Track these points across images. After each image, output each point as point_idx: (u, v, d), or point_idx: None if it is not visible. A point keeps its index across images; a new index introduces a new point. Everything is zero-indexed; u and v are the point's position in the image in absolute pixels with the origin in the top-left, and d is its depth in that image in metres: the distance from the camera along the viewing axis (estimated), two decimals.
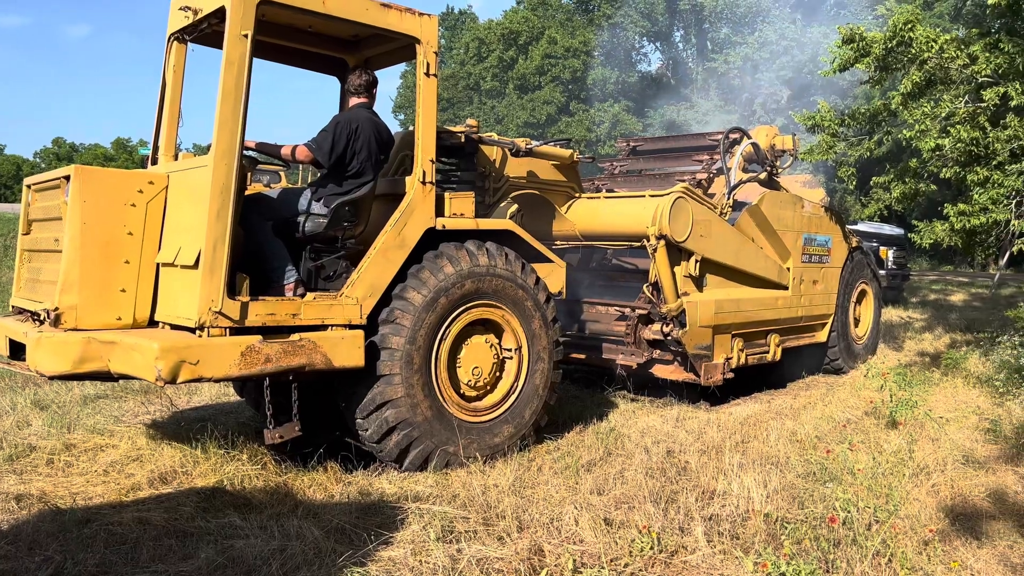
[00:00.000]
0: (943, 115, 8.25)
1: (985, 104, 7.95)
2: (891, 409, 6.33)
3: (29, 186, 5.21)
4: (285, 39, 5.45)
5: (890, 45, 8.42)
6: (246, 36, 4.30)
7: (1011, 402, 6.71)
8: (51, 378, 4.33)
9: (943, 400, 7.12)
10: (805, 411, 7.05)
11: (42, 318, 4.48)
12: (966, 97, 8.29)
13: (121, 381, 5.69)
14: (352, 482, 4.87)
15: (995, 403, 6.84)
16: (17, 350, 4.64)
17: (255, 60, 4.43)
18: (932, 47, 8.18)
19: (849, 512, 4.08)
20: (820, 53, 26.30)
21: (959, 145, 7.99)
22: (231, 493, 4.48)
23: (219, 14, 4.48)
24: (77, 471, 4.87)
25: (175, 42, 5.15)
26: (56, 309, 4.33)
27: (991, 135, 7.87)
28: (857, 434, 5.99)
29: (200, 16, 4.69)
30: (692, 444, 5.74)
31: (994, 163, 7.98)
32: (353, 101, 5.28)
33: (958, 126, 8.02)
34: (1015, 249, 8.08)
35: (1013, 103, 7.77)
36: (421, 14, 5.10)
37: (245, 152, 4.59)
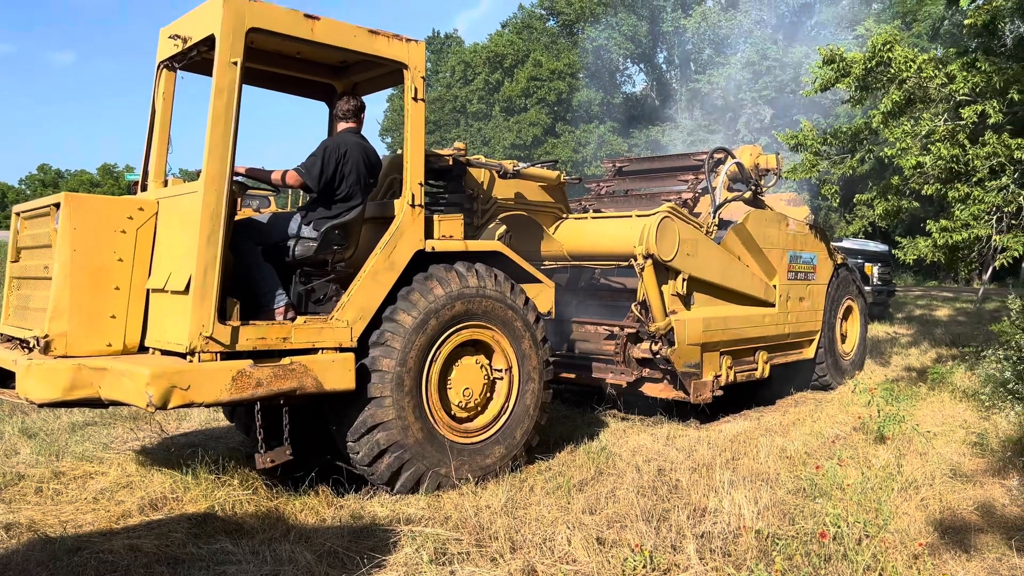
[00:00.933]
0: (923, 133, 8.40)
1: (964, 122, 8.10)
2: (879, 424, 6.38)
3: (18, 214, 5.22)
4: (274, 66, 5.50)
5: (869, 65, 8.58)
6: (235, 64, 4.35)
7: (997, 416, 6.78)
8: (41, 406, 4.31)
9: (930, 414, 7.18)
10: (794, 427, 7.09)
11: (31, 345, 4.47)
12: (945, 115, 8.44)
13: (110, 408, 5.67)
14: (344, 505, 4.86)
15: (981, 417, 6.91)
16: (5, 378, 4.62)
17: (243, 86, 4.47)
18: (911, 67, 8.34)
19: (839, 527, 4.11)
20: (802, 73, 26.67)
21: (939, 162, 8.13)
22: (222, 519, 4.47)
23: (208, 42, 4.53)
24: (66, 499, 4.84)
25: (164, 70, 5.19)
26: (46, 336, 4.33)
27: (970, 152, 8.01)
28: (846, 449, 6.03)
29: (190, 44, 4.74)
30: (683, 462, 5.77)
31: (974, 180, 8.11)
32: (341, 126, 5.33)
33: (938, 144, 8.16)
34: (997, 264, 8.19)
35: (991, 121, 7.92)
36: (408, 40, 5.17)
37: (235, 178, 4.62)
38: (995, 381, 7.36)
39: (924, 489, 4.96)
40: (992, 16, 8.53)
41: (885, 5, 32.59)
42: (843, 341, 9.85)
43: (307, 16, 4.67)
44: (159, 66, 5.21)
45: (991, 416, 6.84)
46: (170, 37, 4.88)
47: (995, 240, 7.98)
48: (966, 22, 8.75)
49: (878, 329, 14.47)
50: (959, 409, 7.28)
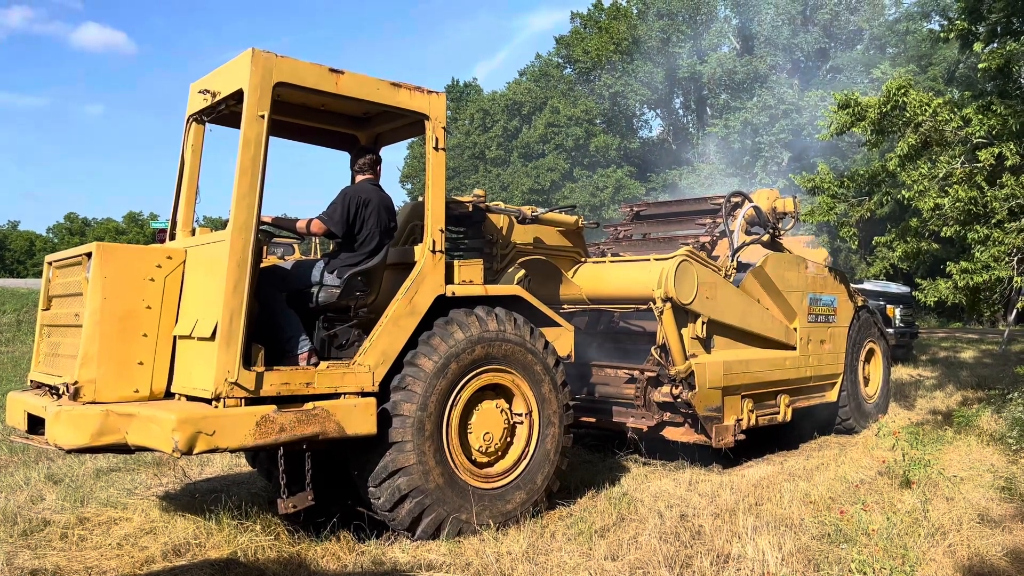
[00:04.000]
0: (940, 175, 8.42)
1: (981, 164, 8.12)
2: (904, 468, 6.30)
3: (50, 263, 5.35)
4: (299, 118, 5.67)
5: (884, 109, 8.65)
6: (263, 117, 4.49)
7: None
8: (69, 451, 4.38)
9: (956, 458, 7.08)
10: (818, 472, 7.01)
11: (60, 392, 4.56)
12: (962, 158, 8.47)
13: (135, 453, 5.72)
14: (365, 551, 4.86)
15: (1009, 460, 6.80)
16: (35, 424, 4.70)
17: (270, 138, 4.61)
18: (926, 111, 8.40)
19: (865, 573, 4.06)
20: (818, 116, 26.82)
21: (958, 204, 8.13)
22: (245, 565, 4.48)
23: (237, 96, 4.68)
24: (91, 545, 4.87)
25: (194, 123, 5.36)
26: (75, 383, 4.41)
27: (988, 194, 8.01)
28: (871, 494, 5.96)
29: (219, 98, 4.90)
30: (706, 507, 5.72)
31: (993, 221, 8.10)
32: (359, 178, 5.48)
33: (956, 186, 8.17)
34: (1020, 305, 8.13)
35: (1008, 163, 7.94)
36: (430, 92, 5.31)
37: (261, 227, 4.73)
38: (1022, 424, 7.26)
39: (951, 535, 4.88)
40: (1006, 60, 8.60)
41: (900, 49, 32.89)
42: (866, 384, 9.76)
43: (332, 70, 4.82)
44: (188, 119, 5.37)
45: (1019, 460, 6.74)
46: (200, 92, 5.05)
47: (1016, 281, 7.94)
48: (981, 66, 8.82)
49: (902, 371, 14.30)
50: (986, 453, 7.17)
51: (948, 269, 8.48)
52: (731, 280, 7.48)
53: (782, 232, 8.77)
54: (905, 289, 16.97)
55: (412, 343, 5.09)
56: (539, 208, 6.99)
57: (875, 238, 9.87)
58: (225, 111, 5.09)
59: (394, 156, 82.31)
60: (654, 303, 6.72)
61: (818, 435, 9.02)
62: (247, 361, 4.39)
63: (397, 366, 5.02)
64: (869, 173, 9.65)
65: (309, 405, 4.57)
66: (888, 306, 15.74)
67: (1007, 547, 4.78)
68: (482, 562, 4.53)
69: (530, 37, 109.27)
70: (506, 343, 5.43)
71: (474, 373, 5.29)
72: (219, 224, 4.72)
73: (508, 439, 5.56)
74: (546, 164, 41.33)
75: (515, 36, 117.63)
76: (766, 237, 8.46)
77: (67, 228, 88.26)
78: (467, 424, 5.33)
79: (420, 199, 5.55)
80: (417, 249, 5.29)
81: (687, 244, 7.74)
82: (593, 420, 7.44)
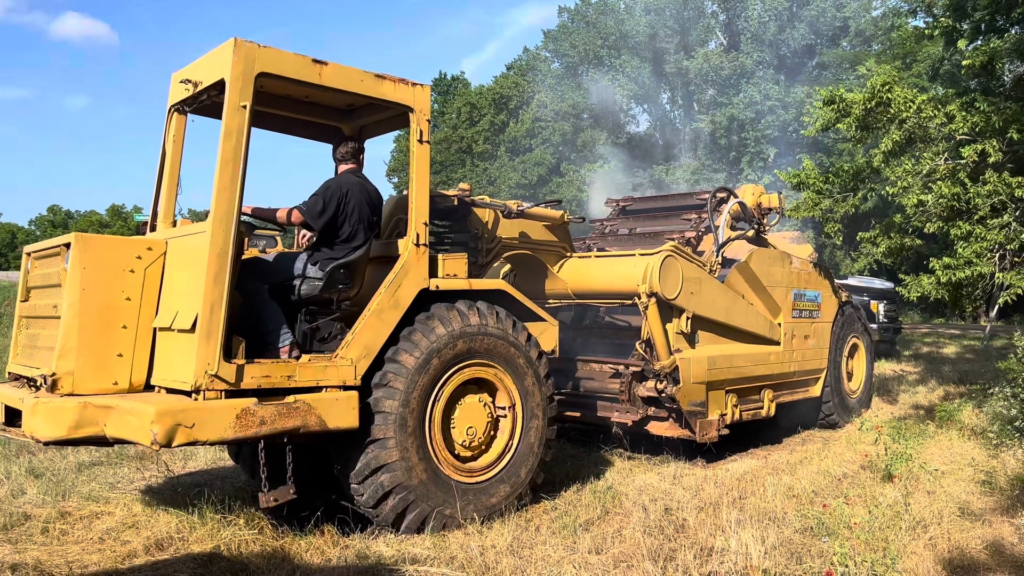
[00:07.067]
0: (924, 172, 8.45)
1: (964, 161, 8.16)
2: (886, 462, 6.34)
3: (29, 254, 5.29)
4: (282, 109, 5.62)
5: (869, 106, 8.67)
6: (244, 107, 4.45)
7: (1005, 453, 6.73)
8: (46, 444, 4.33)
9: (938, 452, 7.13)
10: (801, 466, 7.05)
11: (38, 384, 4.51)
12: (945, 154, 8.50)
13: (116, 447, 5.67)
14: (349, 545, 4.83)
15: (990, 455, 6.86)
16: (13, 417, 4.64)
17: (252, 129, 4.56)
18: (910, 107, 8.43)
19: (847, 567, 4.08)
20: (804, 112, 26.92)
21: (941, 201, 8.16)
22: (228, 559, 4.45)
23: (219, 86, 4.63)
24: (72, 539, 4.83)
25: (175, 113, 5.31)
26: (53, 374, 4.36)
27: (971, 190, 8.05)
28: (853, 488, 5.99)
29: (200, 88, 4.85)
30: (690, 501, 5.73)
31: (976, 217, 8.14)
32: (342, 168, 5.44)
33: (939, 182, 8.21)
34: (1001, 301, 8.19)
35: (991, 159, 7.97)
36: (414, 84, 5.28)
37: (242, 217, 4.68)
38: (1003, 419, 7.32)
39: (932, 528, 4.92)
40: (990, 57, 8.64)
41: (885, 46, 33.02)
42: (849, 379, 9.82)
43: (315, 61, 4.78)
44: (170, 109, 5.32)
45: (999, 454, 6.79)
46: (181, 82, 5.00)
47: (998, 277, 7.99)
48: (964, 63, 8.86)
49: (885, 367, 14.39)
50: (967, 447, 7.23)
51: (931, 265, 8.52)
52: (716, 275, 7.49)
53: (767, 228, 8.79)
54: (889, 285, 17.06)
55: (395, 337, 5.06)
56: (525, 203, 6.97)
57: (859, 234, 9.91)
58: (207, 101, 5.03)
59: (381, 150, 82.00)
60: (639, 298, 6.73)
61: (802, 430, 9.07)
62: (228, 353, 4.35)
63: (380, 360, 4.99)
64: (853, 169, 9.67)
65: (290, 398, 4.54)
66: (872, 302, 15.83)
67: (987, 540, 4.82)
68: (467, 556, 4.52)
69: (518, 32, 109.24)
70: (488, 337, 5.41)
71: (456, 368, 5.27)
72: (204, 217, 4.68)
73: (491, 433, 5.54)
74: (533, 158, 41.28)
75: (503, 30, 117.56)
76: (751, 233, 8.48)
77: (50, 220, 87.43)
78: (450, 419, 5.31)
79: (405, 192, 5.52)
80: (401, 242, 5.26)
81: (672, 239, 7.75)
82: (578, 415, 7.45)
